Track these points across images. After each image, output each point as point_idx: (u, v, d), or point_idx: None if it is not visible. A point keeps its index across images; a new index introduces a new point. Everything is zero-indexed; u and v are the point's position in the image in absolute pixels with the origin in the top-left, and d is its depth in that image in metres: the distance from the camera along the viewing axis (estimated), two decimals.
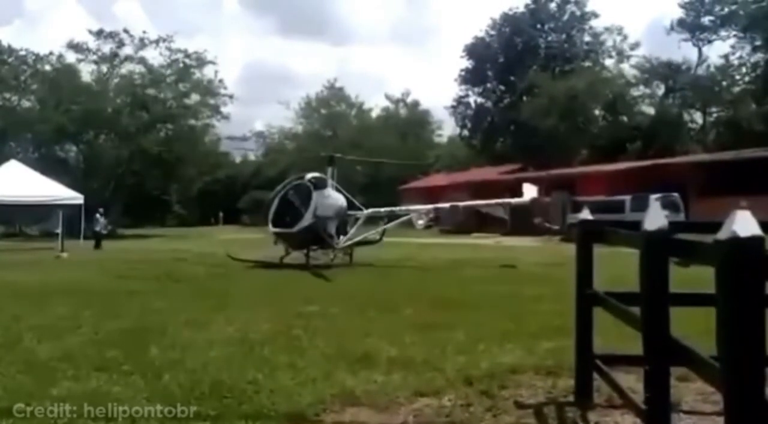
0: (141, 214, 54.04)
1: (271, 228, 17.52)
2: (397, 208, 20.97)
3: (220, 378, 5.32)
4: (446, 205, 20.49)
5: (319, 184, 17.83)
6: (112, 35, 46.86)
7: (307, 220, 17.18)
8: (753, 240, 2.39)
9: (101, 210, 29.70)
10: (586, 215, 4.96)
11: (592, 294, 4.66)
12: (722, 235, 2.48)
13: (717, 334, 2.55)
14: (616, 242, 4.51)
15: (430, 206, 21.29)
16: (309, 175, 18.18)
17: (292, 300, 10.30)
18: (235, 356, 6.21)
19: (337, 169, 18.60)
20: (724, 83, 46.92)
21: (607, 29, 55.71)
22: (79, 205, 25.83)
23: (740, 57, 45.83)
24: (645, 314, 3.53)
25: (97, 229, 28.38)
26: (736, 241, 2.40)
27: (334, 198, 18.03)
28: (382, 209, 19.81)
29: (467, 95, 59.09)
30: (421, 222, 21.16)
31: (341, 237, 17.92)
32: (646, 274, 3.50)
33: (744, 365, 2.41)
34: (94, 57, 47.08)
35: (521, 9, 55.89)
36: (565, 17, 56.07)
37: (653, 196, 24.54)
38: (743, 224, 2.42)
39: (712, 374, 2.75)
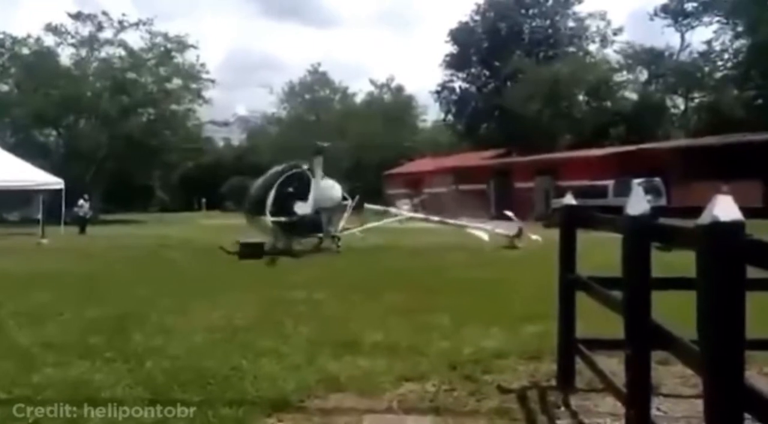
0: (122, 199, 53.49)
1: (268, 218, 16.87)
2: (392, 209, 21.58)
3: (204, 365, 5.31)
4: (436, 217, 20.64)
5: (314, 173, 17.75)
6: (90, 18, 46.14)
7: (307, 209, 17.05)
8: (734, 224, 2.40)
9: (86, 196, 29.63)
10: (569, 200, 4.97)
11: (574, 279, 4.69)
12: (704, 219, 2.49)
13: (698, 318, 2.57)
14: (598, 227, 4.53)
15: (421, 215, 21.48)
16: (304, 166, 17.99)
17: (277, 286, 10.29)
18: (219, 343, 6.20)
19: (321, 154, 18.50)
20: (707, 69, 47.18)
21: (590, 14, 55.79)
22: (60, 191, 25.48)
23: (723, 43, 46.11)
24: (627, 298, 3.55)
25: (81, 214, 28.37)
26: (717, 225, 2.41)
27: (332, 187, 17.96)
28: (380, 207, 20.44)
29: (452, 80, 59.00)
30: (405, 208, 21.40)
31: (337, 225, 17.90)
32: (629, 258, 3.52)
33: (724, 349, 2.44)
34: (73, 40, 46.34)
35: None
36: (550, 2, 55.99)
37: (636, 181, 24.75)
38: (724, 208, 2.43)
39: (693, 358, 2.78)
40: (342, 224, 18.15)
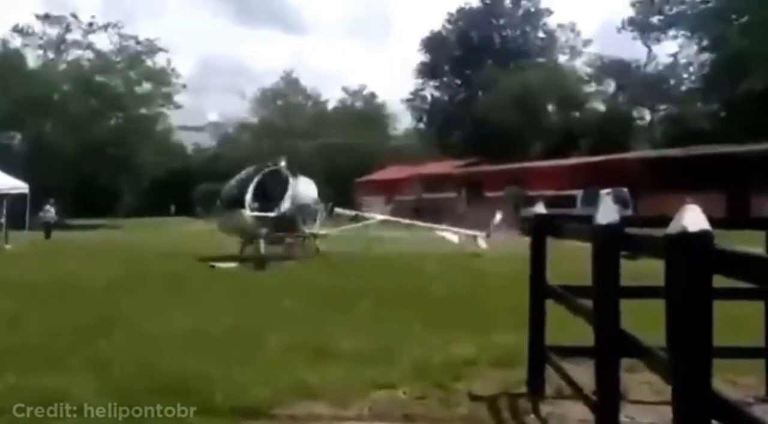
0: (90, 204, 52.49)
1: (247, 212, 16.38)
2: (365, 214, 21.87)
3: (174, 372, 5.22)
4: (406, 221, 20.87)
5: (294, 173, 17.74)
6: (59, 19, 45.48)
7: (285, 205, 16.86)
8: (702, 235, 2.44)
9: (51, 200, 29.19)
10: (540, 208, 5.02)
11: (545, 287, 4.73)
12: (672, 229, 2.52)
13: (666, 326, 2.61)
14: (568, 235, 4.58)
15: (393, 218, 21.60)
16: (281, 163, 17.96)
17: (249, 293, 10.20)
18: (189, 350, 6.11)
19: (292, 160, 18.56)
20: (672, 82, 48.19)
21: (560, 26, 56.67)
22: (24, 195, 24.91)
23: (687, 56, 47.17)
24: (596, 306, 3.60)
25: (47, 219, 27.95)
26: (685, 235, 2.45)
27: (308, 184, 17.97)
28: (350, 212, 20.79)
29: (423, 89, 59.43)
30: (378, 216, 21.65)
31: (313, 225, 17.92)
32: (598, 267, 3.56)
33: (692, 357, 2.47)
34: (41, 42, 45.61)
35: (477, 4, 56.34)
36: (520, 13, 56.72)
37: (603, 191, 25.08)
38: (692, 218, 2.47)
39: (661, 365, 2.82)
40: (318, 223, 18.15)
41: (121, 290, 10.46)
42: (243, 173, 18.01)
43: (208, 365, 5.45)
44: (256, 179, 17.09)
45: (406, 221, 20.68)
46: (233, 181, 17.97)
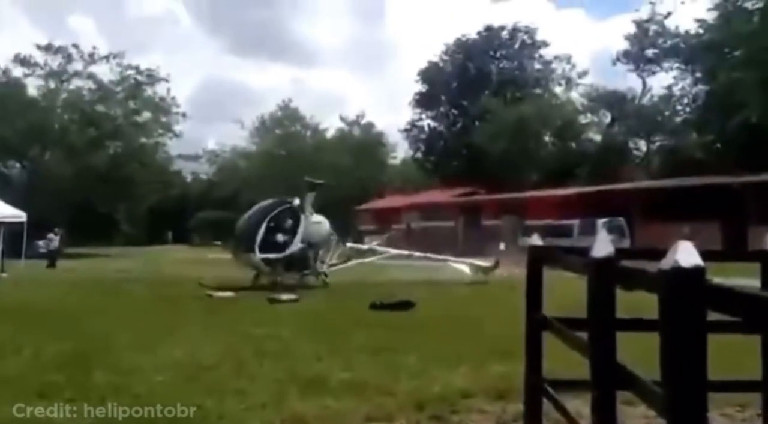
0: (88, 233, 52.46)
1: (258, 254, 16.67)
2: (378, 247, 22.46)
3: (167, 404, 5.18)
4: (420, 253, 21.08)
5: (304, 209, 17.86)
6: (60, 50, 45.92)
7: (296, 245, 17.01)
8: (694, 270, 2.47)
9: (56, 229, 29.32)
10: (535, 240, 5.04)
11: (541, 318, 4.72)
12: (665, 264, 2.55)
13: (660, 360, 2.62)
14: (564, 267, 4.60)
15: (406, 252, 21.73)
16: (295, 202, 18.11)
17: (244, 323, 10.15)
18: (183, 381, 6.07)
19: (288, 188, 18.72)
20: (667, 113, 48.55)
21: (556, 57, 57.23)
22: (22, 224, 24.88)
23: (682, 88, 47.57)
24: (592, 339, 3.60)
25: (51, 248, 27.98)
26: (678, 271, 2.48)
27: (320, 223, 18.06)
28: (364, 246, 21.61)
29: (420, 119, 59.76)
30: (375, 244, 21.88)
31: (324, 261, 18.06)
32: (593, 300, 3.58)
33: (686, 392, 2.48)
34: (42, 72, 45.98)
35: (474, 36, 57.01)
36: (517, 45, 57.38)
37: (600, 221, 25.26)
38: (685, 254, 2.50)
39: (656, 399, 2.82)
40: (329, 259, 18.26)
41: (119, 318, 10.42)
42: (257, 209, 17.96)
43: (200, 395, 5.43)
44: (267, 219, 17.08)
45: (419, 254, 20.91)
46: (248, 216, 17.94)
